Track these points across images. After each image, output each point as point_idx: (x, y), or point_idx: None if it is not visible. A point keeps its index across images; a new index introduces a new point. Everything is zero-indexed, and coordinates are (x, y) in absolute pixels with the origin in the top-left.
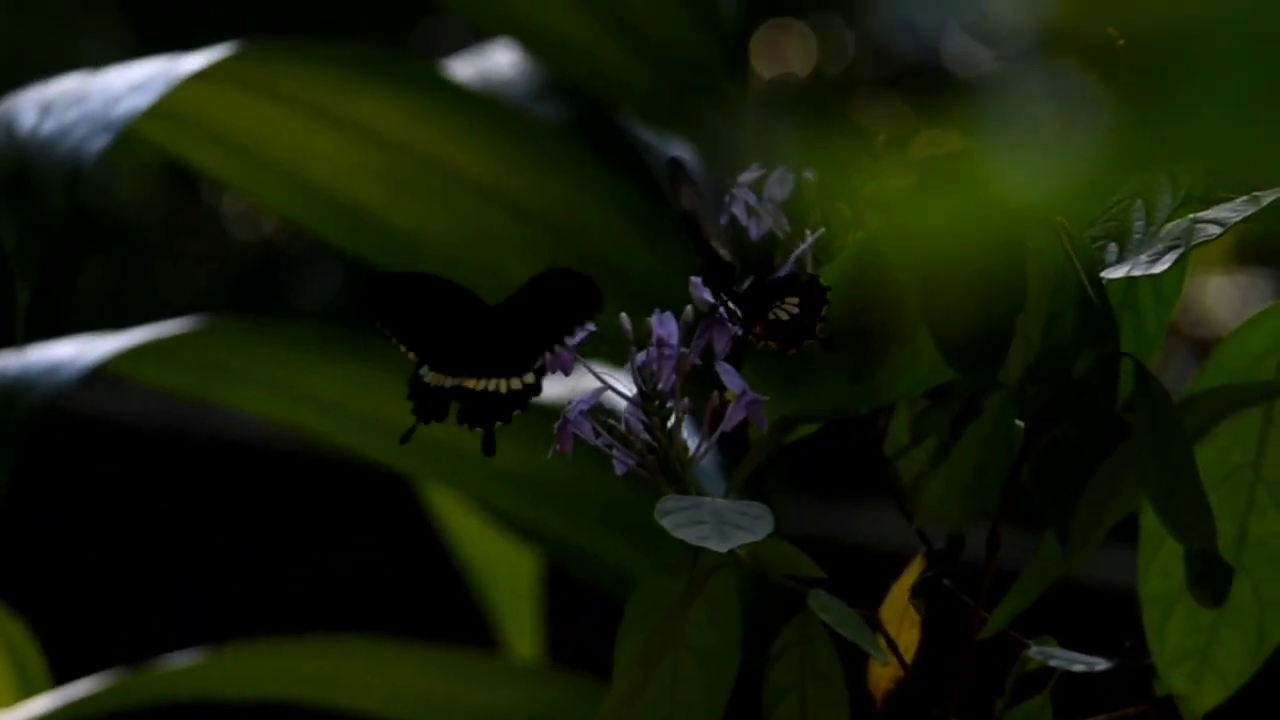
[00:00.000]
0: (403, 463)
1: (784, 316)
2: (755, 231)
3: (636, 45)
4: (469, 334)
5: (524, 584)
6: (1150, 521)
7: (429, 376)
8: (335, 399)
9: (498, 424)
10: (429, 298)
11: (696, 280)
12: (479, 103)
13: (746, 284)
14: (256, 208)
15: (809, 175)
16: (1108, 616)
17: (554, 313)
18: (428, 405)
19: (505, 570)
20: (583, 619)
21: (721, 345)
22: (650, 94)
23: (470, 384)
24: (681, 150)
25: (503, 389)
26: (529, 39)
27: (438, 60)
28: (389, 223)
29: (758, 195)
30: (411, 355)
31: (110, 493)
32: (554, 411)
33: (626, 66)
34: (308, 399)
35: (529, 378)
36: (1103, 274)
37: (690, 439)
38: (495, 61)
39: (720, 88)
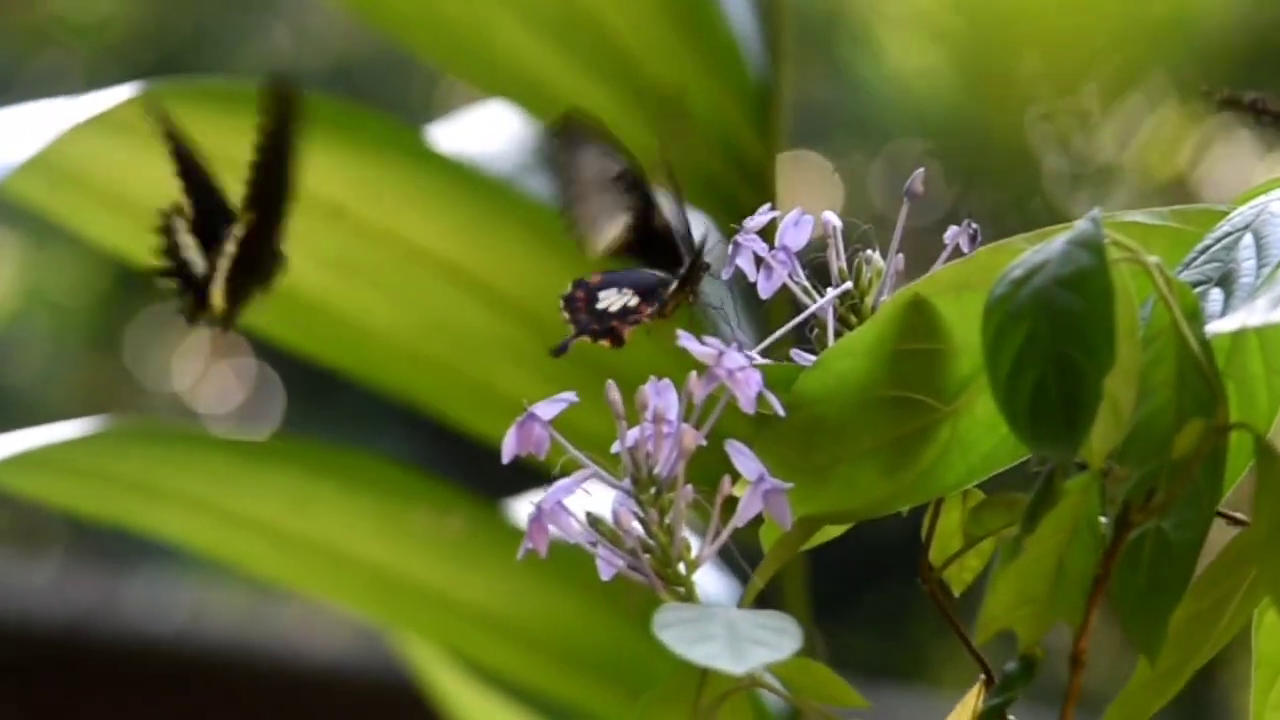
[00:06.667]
0: (357, 600)
1: None
2: (765, 287)
3: (647, 104)
4: None
5: None
6: (1268, 644)
7: None
8: (269, 520)
9: None
10: None
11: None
12: (449, 169)
13: None
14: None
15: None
16: None
17: None
18: None
19: None
20: None
21: (747, 400)
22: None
23: None
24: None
25: None
26: (527, 99)
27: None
28: (334, 310)
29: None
30: None
31: None
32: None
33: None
34: (236, 520)
35: None
36: (1208, 327)
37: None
38: (486, 129)
39: (747, 156)
